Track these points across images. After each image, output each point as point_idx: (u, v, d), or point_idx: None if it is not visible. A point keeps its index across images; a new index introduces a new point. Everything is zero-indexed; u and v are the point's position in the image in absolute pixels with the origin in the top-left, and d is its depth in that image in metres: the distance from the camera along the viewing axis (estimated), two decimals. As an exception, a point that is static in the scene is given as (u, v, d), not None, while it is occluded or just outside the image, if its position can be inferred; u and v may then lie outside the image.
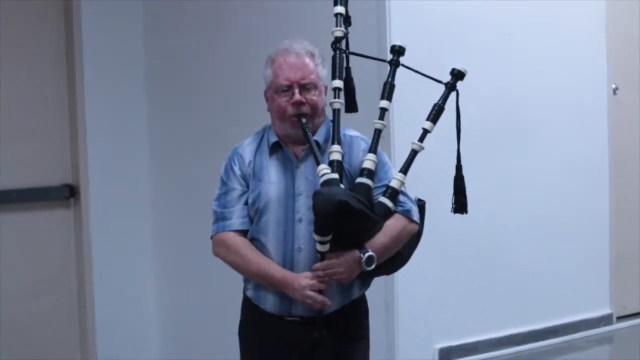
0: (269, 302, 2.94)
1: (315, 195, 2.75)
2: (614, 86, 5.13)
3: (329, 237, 2.78)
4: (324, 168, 2.81)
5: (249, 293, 3.01)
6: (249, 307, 3.02)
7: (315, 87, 2.92)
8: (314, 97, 2.92)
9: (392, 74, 3.05)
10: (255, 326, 3.01)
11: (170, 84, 5.02)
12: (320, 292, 2.82)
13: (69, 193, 4.91)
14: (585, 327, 4.83)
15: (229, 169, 2.99)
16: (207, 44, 4.79)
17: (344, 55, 3.04)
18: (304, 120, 2.89)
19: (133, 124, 5.03)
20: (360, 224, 2.83)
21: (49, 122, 4.92)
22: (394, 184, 2.92)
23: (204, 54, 4.80)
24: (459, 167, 3.10)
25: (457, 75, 3.04)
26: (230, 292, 3.30)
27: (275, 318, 2.94)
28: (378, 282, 3.13)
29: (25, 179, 4.82)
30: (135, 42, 5.03)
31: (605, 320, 4.97)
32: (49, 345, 4.91)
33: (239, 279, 3.03)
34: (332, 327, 2.89)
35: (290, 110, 2.90)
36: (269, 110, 2.99)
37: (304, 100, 2.89)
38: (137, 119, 5.04)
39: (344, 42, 3.05)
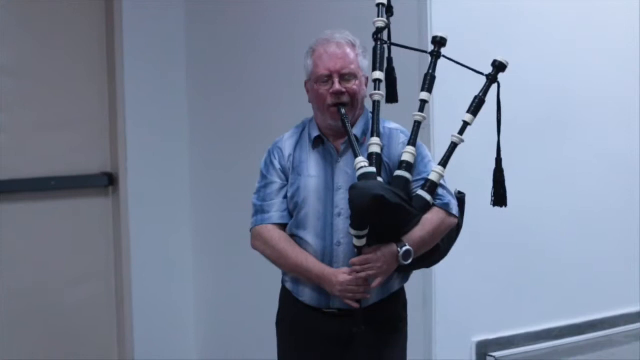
0: (307, 295, 2.95)
1: (352, 189, 2.74)
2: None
3: (365, 232, 2.78)
4: (361, 161, 2.80)
5: (288, 285, 3.02)
6: (287, 298, 3.03)
7: (356, 77, 2.91)
8: (354, 87, 2.90)
9: (433, 66, 3.02)
10: (293, 318, 3.02)
11: (211, 73, 5.00)
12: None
13: (107, 181, 4.92)
14: (624, 322, 4.76)
15: (268, 163, 3.00)
16: (250, 34, 4.77)
17: (385, 46, 3.02)
18: (343, 110, 2.88)
19: (173, 112, 5.03)
20: (397, 217, 2.82)
21: (89, 111, 4.93)
22: (432, 177, 2.91)
23: (247, 43, 4.78)
24: (498, 160, 3.08)
25: (499, 67, 3.01)
26: (269, 283, 3.30)
27: (313, 310, 2.95)
28: (416, 275, 3.12)
29: (64, 167, 4.84)
30: (176, 30, 5.02)
31: (644, 315, 4.92)
32: (86, 333, 4.94)
33: (278, 270, 3.03)
34: (370, 319, 2.88)
35: (330, 99, 2.89)
36: (310, 101, 2.99)
37: (343, 90, 2.88)
38: (177, 108, 5.03)
39: (385, 32, 3.03)
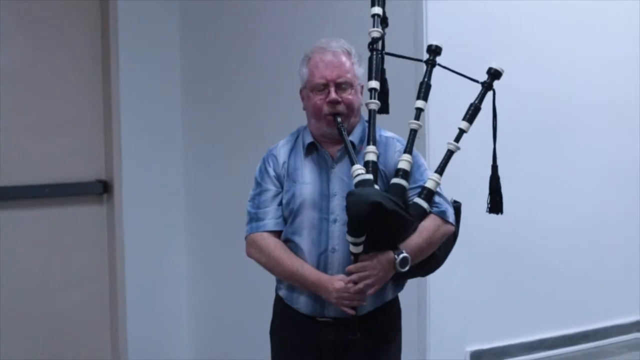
0: (301, 303, 2.93)
1: (349, 196, 2.73)
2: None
3: (362, 239, 2.76)
4: (358, 168, 2.79)
5: (282, 293, 3.00)
6: (281, 306, 3.02)
7: (351, 86, 2.90)
8: (350, 96, 2.89)
9: (429, 74, 3.03)
10: (287, 326, 3.00)
11: (205, 80, 5.00)
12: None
13: (102, 189, 4.92)
14: (618, 333, 4.78)
15: (263, 170, 2.99)
16: (244, 41, 4.77)
17: (380, 56, 3.02)
18: (339, 119, 2.87)
19: (167, 120, 5.02)
20: (394, 225, 2.81)
21: (83, 118, 4.92)
22: (429, 184, 2.90)
23: (240, 51, 4.79)
24: (494, 167, 3.09)
25: (494, 74, 3.03)
26: (263, 290, 3.30)
27: (308, 318, 2.93)
28: (411, 283, 3.11)
29: (58, 174, 4.83)
30: (171, 37, 5.01)
31: (637, 326, 4.91)
32: (80, 339, 4.93)
33: (272, 277, 3.02)
34: (364, 328, 2.87)
35: (326, 109, 2.88)
36: (304, 109, 2.98)
37: (339, 99, 2.87)
38: (171, 116, 5.03)
39: (380, 43, 3.04)
